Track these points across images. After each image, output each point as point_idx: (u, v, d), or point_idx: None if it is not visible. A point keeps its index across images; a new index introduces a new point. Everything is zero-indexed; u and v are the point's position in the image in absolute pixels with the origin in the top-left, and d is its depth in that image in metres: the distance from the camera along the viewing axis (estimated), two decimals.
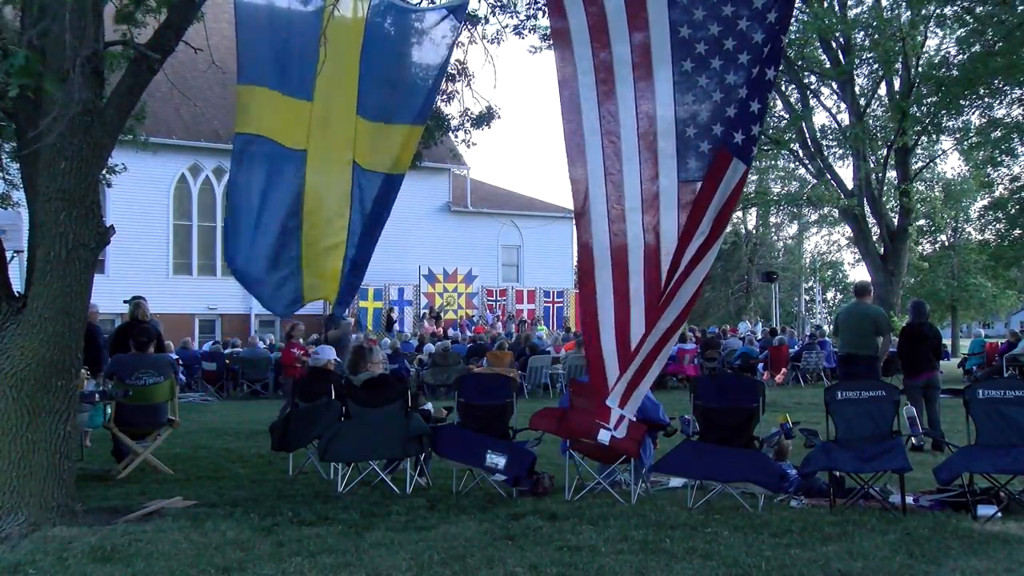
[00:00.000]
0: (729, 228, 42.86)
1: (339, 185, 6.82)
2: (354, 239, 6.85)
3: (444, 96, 13.14)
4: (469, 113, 13.32)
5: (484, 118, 13.19)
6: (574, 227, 29.26)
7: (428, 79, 6.96)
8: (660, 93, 6.25)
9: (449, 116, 13.84)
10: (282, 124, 6.64)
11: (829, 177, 26.96)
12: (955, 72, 23.35)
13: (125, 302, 9.65)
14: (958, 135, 27.77)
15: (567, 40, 6.52)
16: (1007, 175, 28.47)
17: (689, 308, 6.06)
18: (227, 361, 17.52)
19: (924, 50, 24.88)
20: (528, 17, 13.79)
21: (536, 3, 13.40)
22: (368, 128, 6.82)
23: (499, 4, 13.17)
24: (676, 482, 6.82)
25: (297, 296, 6.85)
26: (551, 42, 20.18)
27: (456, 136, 14.46)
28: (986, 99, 24.83)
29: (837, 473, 6.16)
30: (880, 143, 26.20)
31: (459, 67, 12.71)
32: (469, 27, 12.74)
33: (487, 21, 14.15)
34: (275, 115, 6.64)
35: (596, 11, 6.39)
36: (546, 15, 15.93)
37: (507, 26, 14.09)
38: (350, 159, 6.77)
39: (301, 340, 13.74)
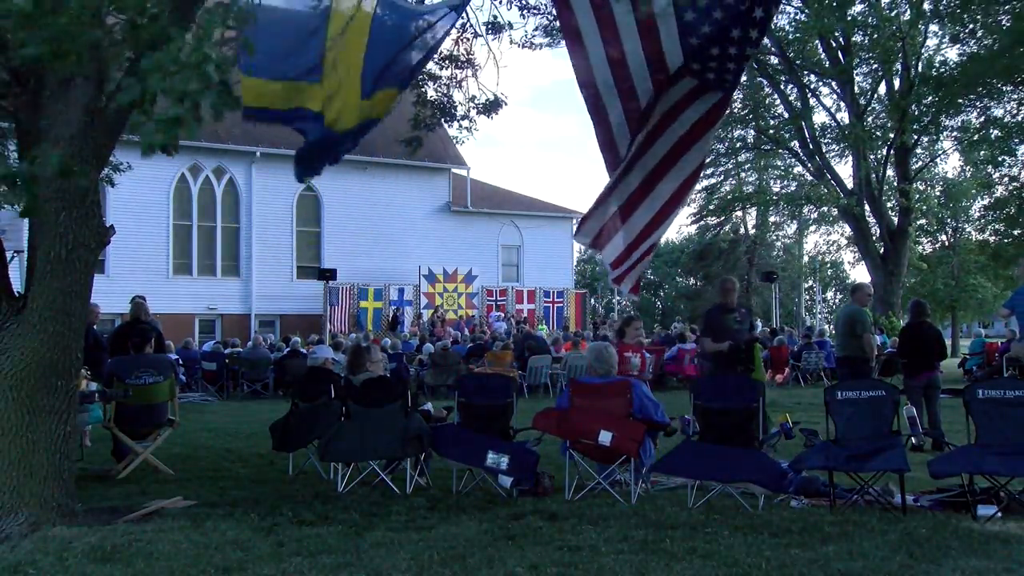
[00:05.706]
0: (728, 227, 42.93)
1: None
2: None
3: (455, 83, 13.15)
4: (475, 101, 13.30)
5: (492, 105, 13.14)
6: (574, 225, 28.98)
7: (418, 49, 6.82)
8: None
9: (457, 103, 13.81)
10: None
11: (829, 176, 26.97)
12: (955, 72, 23.35)
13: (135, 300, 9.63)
14: (958, 134, 27.76)
15: (578, 36, 6.66)
16: (1007, 175, 28.47)
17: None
18: (227, 361, 17.53)
19: (923, 49, 24.89)
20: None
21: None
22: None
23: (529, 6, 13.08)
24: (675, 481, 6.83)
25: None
26: (549, 40, 20.19)
27: (457, 125, 14.41)
28: (984, 99, 24.83)
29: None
30: (880, 142, 26.19)
31: (466, 57, 12.69)
32: (491, 34, 12.79)
33: (511, 27, 14.17)
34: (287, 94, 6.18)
35: (602, 3, 6.52)
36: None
37: (534, 32, 14.07)
38: None
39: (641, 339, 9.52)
